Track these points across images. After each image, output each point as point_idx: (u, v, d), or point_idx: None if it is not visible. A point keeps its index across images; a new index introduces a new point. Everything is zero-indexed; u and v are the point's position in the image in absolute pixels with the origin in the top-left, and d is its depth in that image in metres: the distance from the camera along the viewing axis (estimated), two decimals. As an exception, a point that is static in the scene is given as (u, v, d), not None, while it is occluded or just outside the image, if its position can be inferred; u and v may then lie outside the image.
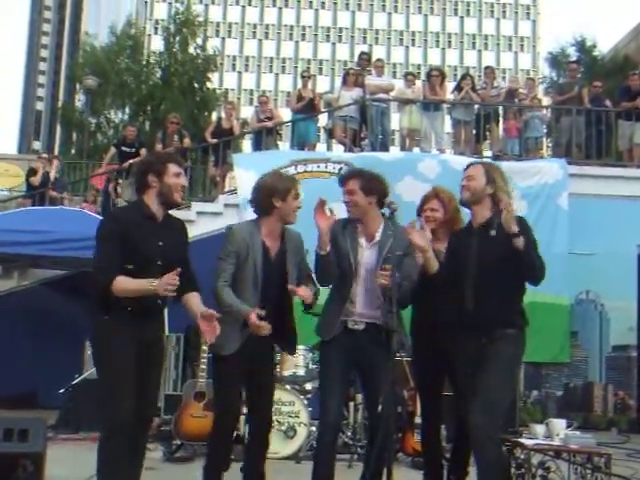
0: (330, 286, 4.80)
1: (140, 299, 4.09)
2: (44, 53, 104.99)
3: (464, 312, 4.41)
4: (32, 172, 13.87)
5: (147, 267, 4.14)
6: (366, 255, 4.66)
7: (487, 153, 13.17)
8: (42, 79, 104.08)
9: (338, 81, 14.90)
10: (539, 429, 4.69)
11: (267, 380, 4.78)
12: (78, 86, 35.80)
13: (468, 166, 4.70)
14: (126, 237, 4.10)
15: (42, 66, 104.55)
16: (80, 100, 38.07)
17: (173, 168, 4.25)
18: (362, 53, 14.96)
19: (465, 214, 4.89)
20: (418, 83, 13.62)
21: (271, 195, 4.58)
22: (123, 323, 4.06)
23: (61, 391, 8.71)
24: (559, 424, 4.67)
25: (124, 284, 4.02)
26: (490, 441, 4.17)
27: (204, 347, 7.19)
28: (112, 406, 4.00)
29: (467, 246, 4.48)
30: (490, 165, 4.78)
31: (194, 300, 4.34)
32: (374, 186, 4.69)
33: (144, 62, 33.52)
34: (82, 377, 8.72)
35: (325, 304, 4.78)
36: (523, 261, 4.25)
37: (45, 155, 15.57)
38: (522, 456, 4.61)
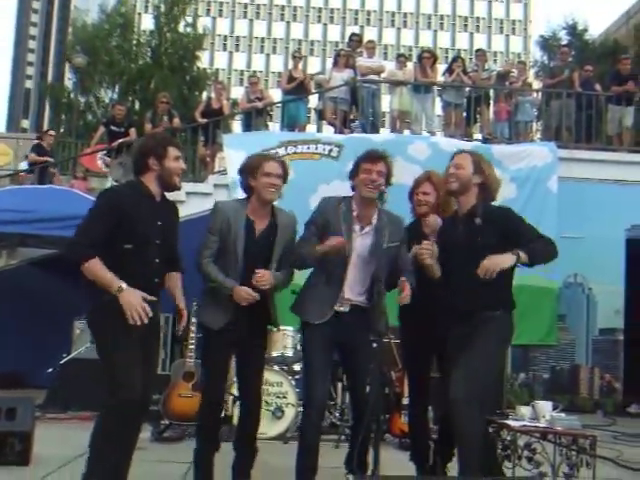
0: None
1: (138, 279, 4.08)
2: (33, 31, 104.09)
3: (452, 297, 4.46)
4: (39, 148, 13.81)
5: (145, 246, 4.15)
6: (359, 241, 4.64)
7: (477, 136, 13.18)
8: (31, 57, 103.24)
9: (329, 62, 14.83)
10: (525, 411, 4.73)
11: (256, 358, 4.79)
12: (67, 65, 35.48)
13: (455, 155, 4.70)
14: (125, 215, 4.08)
15: (31, 44, 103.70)
16: (70, 79, 37.79)
17: (174, 152, 4.27)
18: (353, 34, 14.91)
19: None
20: (409, 65, 13.59)
21: (248, 175, 4.66)
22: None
23: (49, 370, 8.71)
24: (545, 406, 4.70)
25: (96, 270, 3.98)
26: (469, 410, 4.19)
27: (192, 327, 7.21)
28: (116, 386, 3.97)
29: (454, 234, 4.53)
30: (477, 154, 4.76)
31: (174, 281, 4.46)
32: (390, 176, 4.71)
33: (134, 41, 33.30)
34: (70, 356, 8.73)
35: (309, 285, 4.76)
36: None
37: (53, 132, 15.51)
38: (508, 437, 4.65)
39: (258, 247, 4.61)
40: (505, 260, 4.23)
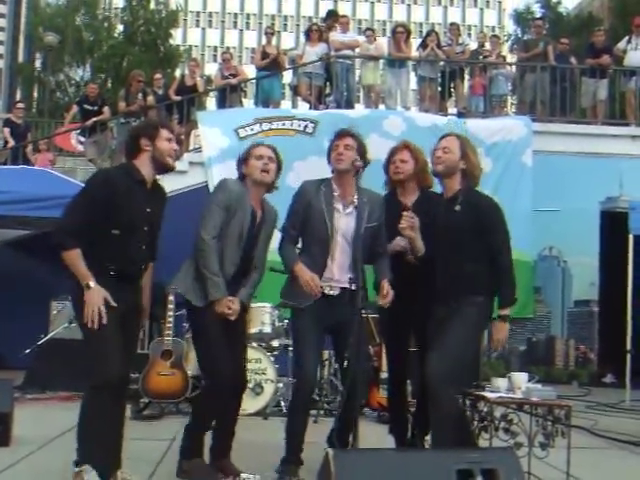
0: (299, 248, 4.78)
1: (124, 265, 4.14)
2: (2, 9, 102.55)
3: (436, 280, 4.51)
4: (10, 123, 13.60)
5: (133, 233, 4.17)
6: (343, 221, 4.60)
7: (452, 110, 13.19)
8: (1, 35, 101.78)
9: (303, 37, 14.75)
10: (501, 383, 4.75)
11: (239, 340, 4.76)
12: (37, 44, 35.00)
13: (443, 137, 4.69)
14: (114, 201, 4.08)
15: (1, 22, 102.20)
16: (39, 58, 37.28)
17: (165, 133, 4.30)
18: (330, 11, 14.92)
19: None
20: (379, 39, 13.57)
21: (241, 164, 4.66)
22: (106, 287, 4.04)
23: (27, 351, 8.67)
24: (521, 378, 4.73)
25: (72, 261, 4.00)
26: (443, 391, 4.25)
27: (170, 306, 7.21)
28: (99, 366, 4.00)
29: (438, 215, 4.56)
30: (464, 138, 4.77)
31: (146, 276, 4.45)
32: (364, 152, 4.66)
33: (102, 17, 32.95)
34: (48, 337, 8.68)
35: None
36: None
37: (21, 105, 15.20)
38: (485, 409, 4.69)
39: (254, 236, 4.59)
40: (505, 329, 4.50)
